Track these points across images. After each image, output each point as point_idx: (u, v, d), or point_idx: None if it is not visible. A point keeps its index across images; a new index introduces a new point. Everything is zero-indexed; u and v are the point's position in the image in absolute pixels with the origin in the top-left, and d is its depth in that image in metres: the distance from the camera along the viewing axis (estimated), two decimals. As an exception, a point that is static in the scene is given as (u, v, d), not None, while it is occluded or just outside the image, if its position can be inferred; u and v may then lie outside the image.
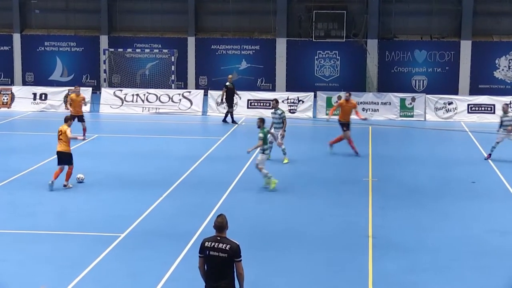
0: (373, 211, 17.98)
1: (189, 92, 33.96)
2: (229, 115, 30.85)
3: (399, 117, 32.02)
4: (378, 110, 32.29)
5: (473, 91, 36.30)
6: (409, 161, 23.81)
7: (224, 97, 30.95)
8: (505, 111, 23.69)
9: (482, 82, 36.87)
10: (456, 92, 36.04)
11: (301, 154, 24.55)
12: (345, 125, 24.21)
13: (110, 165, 22.62)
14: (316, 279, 13.68)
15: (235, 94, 31.11)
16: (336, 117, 25.06)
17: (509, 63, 36.97)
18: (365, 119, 25.44)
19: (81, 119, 26.31)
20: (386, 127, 30.18)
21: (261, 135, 19.60)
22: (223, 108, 32.56)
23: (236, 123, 30.57)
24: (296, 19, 38.03)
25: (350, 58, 37.94)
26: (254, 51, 38.61)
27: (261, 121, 19.87)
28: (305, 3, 37.88)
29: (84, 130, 26.17)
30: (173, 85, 37.61)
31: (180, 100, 33.31)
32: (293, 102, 32.69)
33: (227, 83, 31.10)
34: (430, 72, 37.44)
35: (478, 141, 26.92)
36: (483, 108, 31.83)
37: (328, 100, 32.55)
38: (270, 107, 24.32)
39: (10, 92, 34.38)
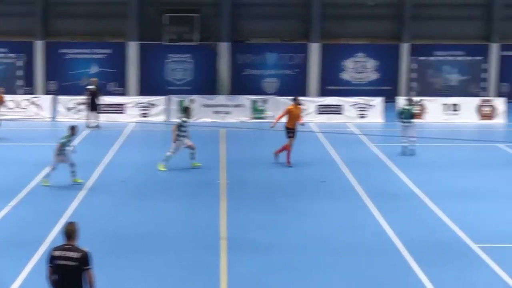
0: (227, 213, 18.10)
1: (38, 97, 33.01)
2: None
3: (251, 119, 32.42)
4: (230, 112, 32.56)
5: (322, 92, 37.25)
6: (262, 162, 24.11)
7: (88, 101, 30.48)
8: None
9: (331, 84, 37.89)
10: (305, 94, 36.84)
11: (153, 158, 24.38)
12: (292, 131, 23.31)
13: (-47, 175, 21.64)
14: (172, 282, 13.63)
15: (98, 98, 30.62)
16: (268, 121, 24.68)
17: (356, 65, 38.20)
18: (303, 124, 24.25)
19: None
20: (238, 130, 30.48)
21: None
22: (73, 113, 31.94)
23: (89, 127, 30.04)
24: (148, 22, 37.73)
25: (202, 61, 38.03)
26: (105, 55, 38.01)
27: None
28: (157, 6, 37.65)
29: None
30: (20, 90, 36.39)
31: (28, 106, 32.32)
32: (145, 106, 32.44)
33: (90, 87, 30.63)
34: (281, 74, 38.11)
35: (327, 142, 27.63)
36: (331, 109, 32.74)
37: (180, 104, 32.49)
38: (185, 115, 22.97)
39: None
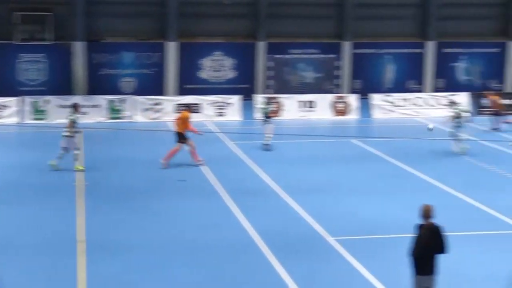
0: (86, 215, 17.75)
1: None
2: None
3: (109, 119, 31.92)
4: (87, 113, 31.92)
5: (180, 91, 37.16)
6: (121, 162, 23.81)
7: None
8: None
9: (189, 82, 37.85)
10: (163, 93, 36.65)
11: (7, 161, 23.61)
12: (183, 136, 23.25)
13: None
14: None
15: None
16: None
17: (213, 63, 38.36)
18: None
19: None
20: (96, 130, 29.94)
21: None
22: None
23: None
24: (-3, 21, 36.42)
25: (57, 61, 37.06)
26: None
27: None
28: (6, 4, 36.37)
29: None
30: None
31: None
32: (-4, 108, 31.36)
33: None
34: (138, 74, 37.69)
35: (187, 140, 27.61)
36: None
37: (34, 105, 31.58)
38: (74, 111, 22.94)
39: None
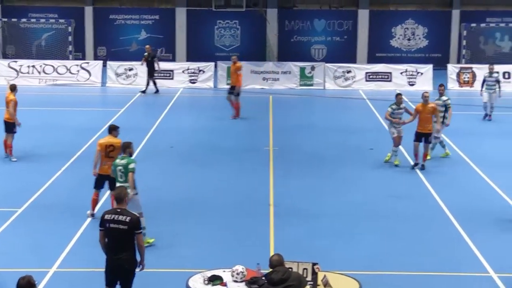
0: (274, 180, 18.12)
1: (88, 63, 33.31)
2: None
3: (299, 86, 32.27)
4: (278, 79, 32.45)
5: (371, 59, 36.90)
6: (310, 129, 24.06)
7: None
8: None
9: (379, 51, 37.52)
10: (354, 61, 36.53)
11: (201, 124, 24.53)
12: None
13: (6, 139, 21.91)
14: (220, 247, 13.72)
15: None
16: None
17: (405, 31, 37.75)
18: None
19: None
20: (286, 96, 30.39)
21: None
22: (123, 79, 32.21)
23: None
24: (195, -12, 37.72)
25: (250, 28, 37.94)
26: (153, 21, 38.12)
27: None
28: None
29: None
30: (70, 56, 36.68)
31: (78, 71, 32.60)
32: (193, 72, 32.49)
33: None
34: (329, 41, 37.84)
35: (375, 109, 27.41)
36: (380, 76, 32.41)
37: (228, 70, 32.38)
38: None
39: None
